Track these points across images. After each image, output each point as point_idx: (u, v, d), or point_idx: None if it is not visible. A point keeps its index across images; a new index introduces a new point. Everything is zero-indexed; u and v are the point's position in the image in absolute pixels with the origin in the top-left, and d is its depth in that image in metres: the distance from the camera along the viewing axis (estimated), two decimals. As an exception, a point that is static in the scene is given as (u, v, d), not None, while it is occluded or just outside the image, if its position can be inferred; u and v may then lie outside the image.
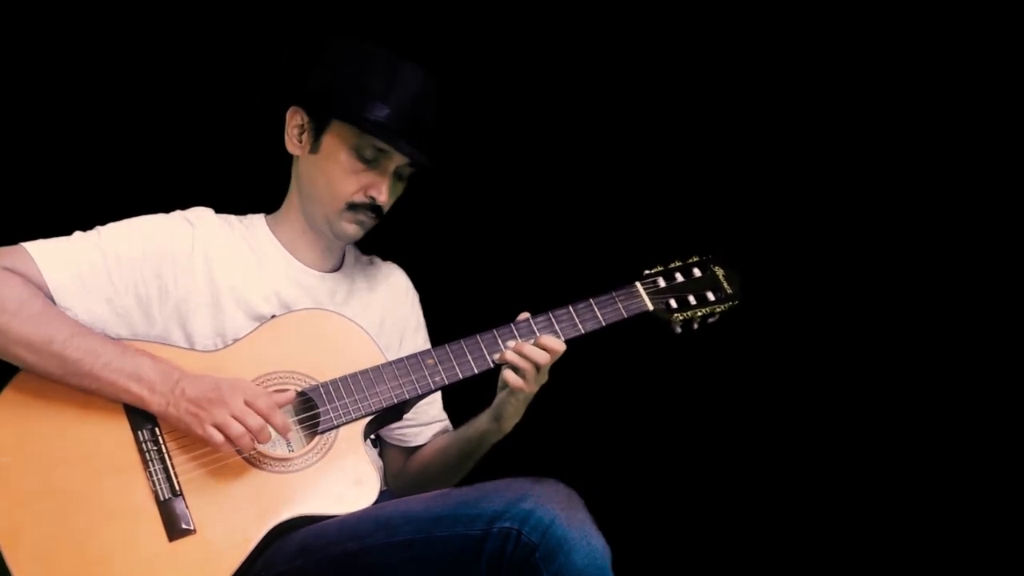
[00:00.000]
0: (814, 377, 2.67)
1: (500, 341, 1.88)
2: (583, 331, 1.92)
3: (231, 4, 2.52)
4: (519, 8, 2.62)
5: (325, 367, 1.85)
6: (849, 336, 2.67)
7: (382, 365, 1.87)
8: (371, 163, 1.94)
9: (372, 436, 2.01)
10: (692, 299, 1.99)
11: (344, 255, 2.10)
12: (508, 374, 1.86)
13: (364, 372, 1.86)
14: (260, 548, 1.71)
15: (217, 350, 1.87)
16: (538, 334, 1.88)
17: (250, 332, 1.89)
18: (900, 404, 2.67)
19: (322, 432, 1.81)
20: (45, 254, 1.81)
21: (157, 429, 1.77)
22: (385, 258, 2.19)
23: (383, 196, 1.95)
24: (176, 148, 2.53)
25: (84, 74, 2.48)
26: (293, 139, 1.99)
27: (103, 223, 1.90)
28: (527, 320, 1.91)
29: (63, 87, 2.48)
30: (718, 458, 2.72)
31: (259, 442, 1.75)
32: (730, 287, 2.02)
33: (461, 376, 1.88)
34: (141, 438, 1.75)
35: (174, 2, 2.52)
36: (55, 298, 1.80)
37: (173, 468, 1.74)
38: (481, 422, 1.97)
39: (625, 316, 1.95)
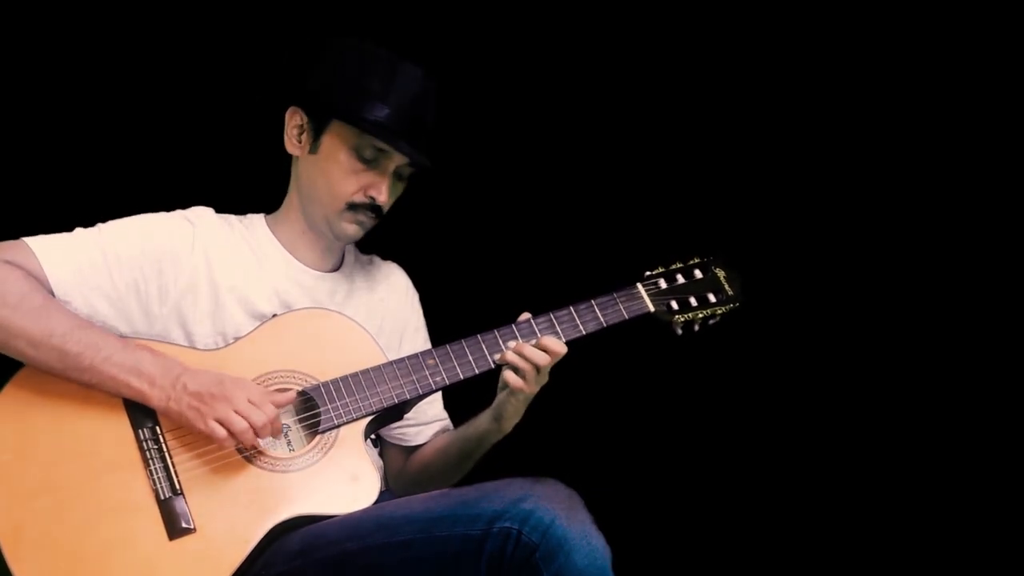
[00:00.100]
0: (814, 378, 2.67)
1: (501, 341, 1.88)
2: (584, 332, 1.92)
3: (231, 4, 2.52)
4: (519, 8, 2.62)
5: (326, 366, 1.85)
6: (850, 337, 2.68)
7: (383, 365, 1.87)
8: (371, 163, 1.94)
9: (372, 436, 2.01)
10: (693, 300, 1.99)
11: (344, 255, 2.10)
12: (508, 374, 1.86)
13: (365, 372, 1.85)
14: (260, 547, 1.71)
15: (218, 349, 1.87)
16: (539, 335, 1.88)
17: (251, 331, 1.88)
18: (900, 405, 2.67)
19: (323, 432, 1.81)
20: (47, 249, 1.81)
21: (158, 427, 1.76)
22: (385, 258, 2.19)
23: (383, 196, 1.95)
24: (176, 148, 2.53)
25: (85, 74, 2.48)
26: (292, 139, 1.99)
27: (104, 222, 1.90)
28: (528, 320, 1.91)
29: (64, 87, 2.48)
30: (718, 459, 2.72)
31: (260, 437, 1.74)
32: (731, 289, 2.02)
33: (462, 376, 1.88)
34: (142, 436, 1.75)
35: (174, 2, 2.51)
36: (56, 293, 1.80)
37: (174, 466, 1.74)
38: (481, 422, 1.97)
39: (626, 317, 1.95)
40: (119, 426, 1.75)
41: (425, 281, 2.20)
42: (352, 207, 1.95)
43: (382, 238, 2.09)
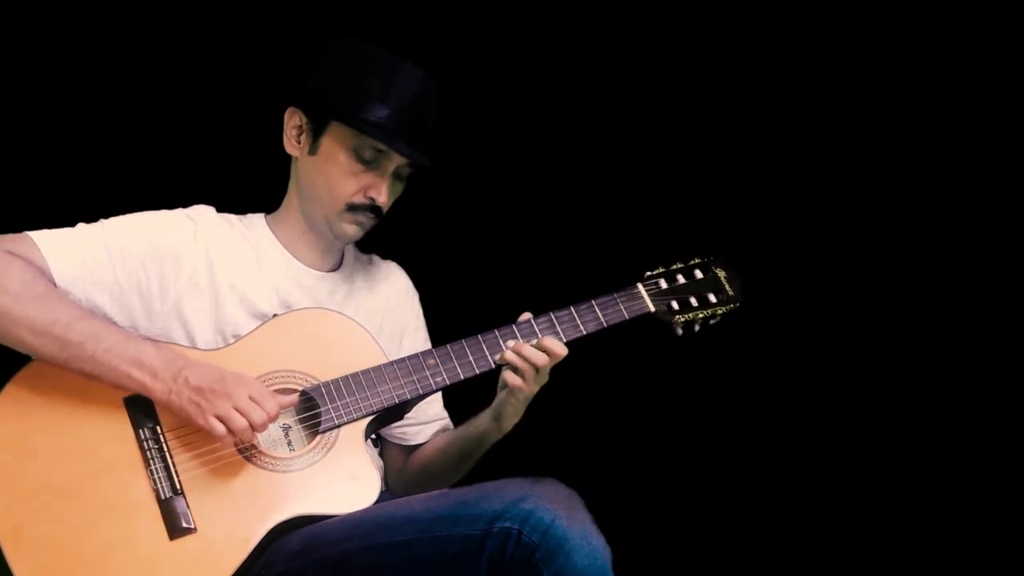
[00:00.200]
0: (815, 379, 2.67)
1: (501, 341, 1.88)
2: (584, 332, 1.92)
3: (231, 4, 2.52)
4: (519, 8, 2.62)
5: (327, 366, 1.85)
6: (850, 338, 2.68)
7: (383, 365, 1.87)
8: (370, 164, 1.94)
9: (372, 436, 2.01)
10: (693, 301, 1.99)
11: (343, 254, 2.10)
12: (508, 374, 1.86)
13: (365, 372, 1.85)
14: (260, 547, 1.71)
15: (219, 348, 1.87)
16: (540, 335, 1.88)
17: (251, 330, 1.88)
18: (900, 405, 2.67)
19: (323, 431, 1.81)
20: (50, 243, 1.81)
21: (158, 427, 1.76)
22: (385, 258, 2.19)
23: (383, 197, 1.95)
24: (176, 147, 2.53)
25: (86, 73, 2.48)
26: (291, 140, 1.99)
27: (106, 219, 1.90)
28: (529, 321, 1.91)
29: (66, 86, 2.48)
30: (718, 459, 2.72)
31: (259, 433, 1.74)
32: (731, 289, 2.02)
33: (462, 376, 1.88)
34: (142, 436, 1.75)
35: (175, 2, 2.51)
36: (58, 287, 1.79)
37: (174, 466, 1.74)
38: (481, 422, 1.98)
39: (627, 317, 1.95)
40: (119, 426, 1.75)
41: (425, 281, 2.20)
42: (352, 208, 1.95)
43: (382, 238, 2.09)
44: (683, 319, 1.98)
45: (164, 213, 1.94)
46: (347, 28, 2.17)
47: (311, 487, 1.76)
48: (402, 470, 2.11)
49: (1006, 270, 2.62)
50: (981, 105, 2.60)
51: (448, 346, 1.90)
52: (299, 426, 1.83)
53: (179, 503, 1.71)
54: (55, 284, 1.79)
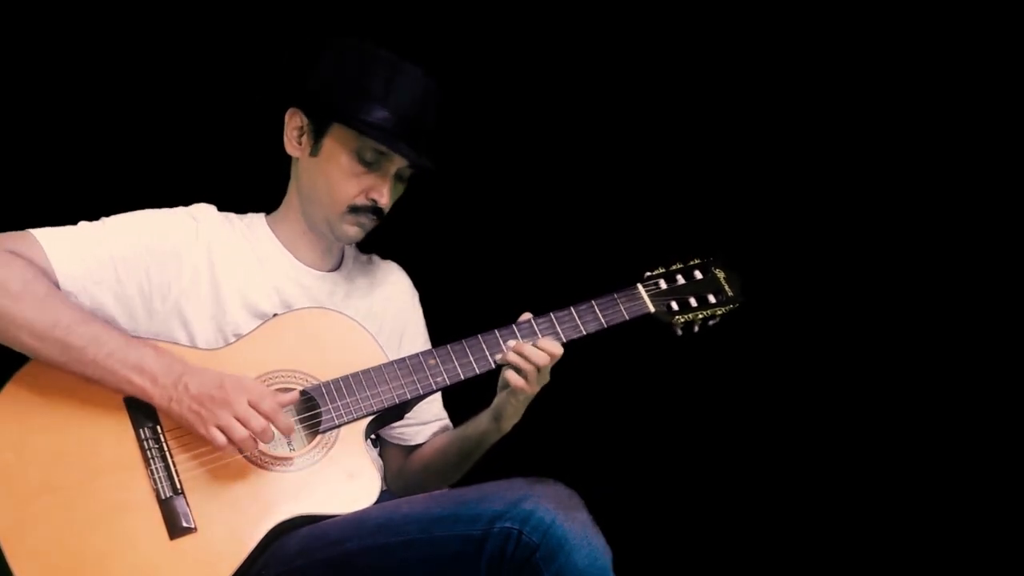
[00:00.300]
0: (814, 379, 2.67)
1: (502, 341, 1.89)
2: (584, 332, 1.92)
3: (232, 4, 2.52)
4: (519, 8, 2.62)
5: (327, 366, 1.85)
6: (849, 338, 2.68)
7: (384, 365, 1.87)
8: (372, 166, 1.94)
9: (372, 436, 2.01)
10: (693, 301, 1.99)
11: (343, 254, 2.10)
12: (510, 374, 1.86)
13: (366, 371, 1.85)
14: (261, 547, 1.71)
15: (219, 348, 1.87)
16: (540, 335, 1.88)
17: (252, 330, 1.88)
18: (900, 405, 2.67)
19: (323, 431, 1.81)
20: (53, 241, 1.80)
21: (158, 427, 1.76)
22: (385, 258, 2.19)
23: (384, 199, 1.95)
24: (177, 147, 2.53)
25: (87, 72, 2.48)
26: (292, 141, 1.98)
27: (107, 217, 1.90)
28: (529, 321, 1.91)
29: (68, 85, 2.48)
30: (718, 459, 2.72)
31: (262, 442, 1.74)
32: (731, 289, 2.02)
33: (463, 376, 1.88)
34: (142, 436, 1.75)
35: (176, 2, 2.51)
36: (61, 286, 1.79)
37: (174, 466, 1.74)
38: (481, 422, 1.98)
39: (626, 318, 1.95)
40: (120, 426, 1.75)
41: (425, 281, 2.20)
42: (353, 210, 1.95)
43: (382, 238, 2.09)
44: (683, 319, 1.98)
45: (166, 211, 1.95)
46: (347, 28, 2.17)
47: (311, 487, 1.76)
48: (401, 470, 2.11)
49: (1006, 270, 2.62)
50: (981, 105, 2.60)
51: (448, 346, 1.90)
52: (299, 426, 1.83)
53: (179, 503, 1.71)
54: (57, 284, 1.78)
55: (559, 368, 1.88)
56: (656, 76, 2.69)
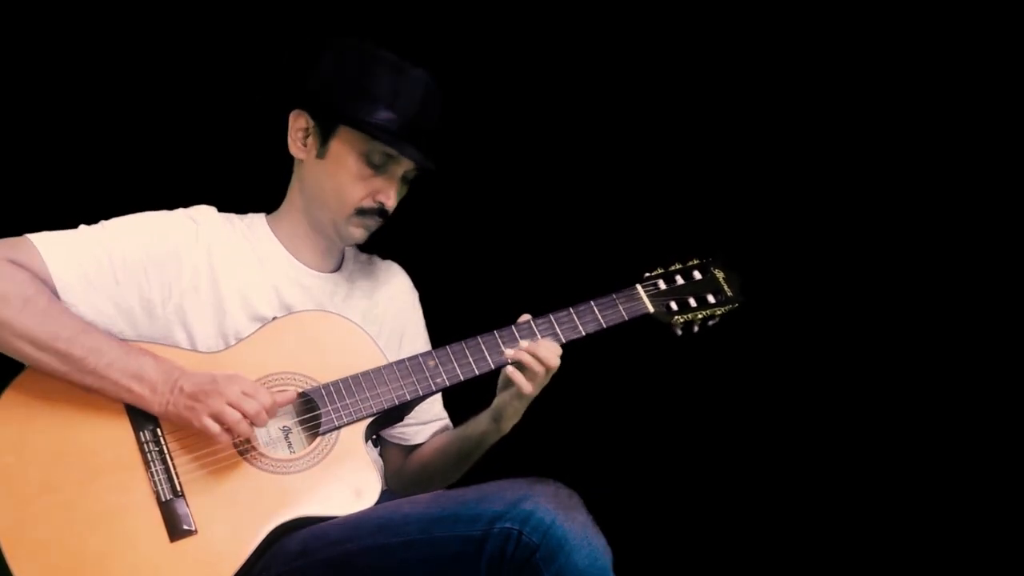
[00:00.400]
0: (814, 379, 2.67)
1: (501, 343, 1.89)
2: (584, 333, 1.92)
3: (234, 4, 2.52)
4: (520, 8, 2.62)
5: (326, 368, 1.85)
6: (849, 338, 2.68)
7: (383, 366, 1.87)
8: (379, 168, 1.94)
9: (372, 436, 2.01)
10: (692, 301, 1.99)
11: (343, 255, 2.10)
12: (515, 374, 1.85)
13: (365, 373, 1.86)
14: (261, 549, 1.71)
15: (219, 351, 1.87)
16: (539, 336, 1.88)
17: (252, 333, 1.89)
18: (900, 405, 2.67)
19: (323, 433, 1.81)
20: (51, 248, 1.81)
21: (159, 429, 1.77)
22: (385, 258, 2.19)
23: (391, 201, 1.96)
24: (178, 148, 2.53)
25: (88, 73, 2.48)
26: (297, 142, 1.98)
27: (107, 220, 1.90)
28: (528, 322, 1.91)
29: (68, 86, 2.48)
30: (718, 459, 2.72)
31: (256, 426, 1.75)
32: (730, 290, 2.02)
33: (462, 377, 1.88)
34: (143, 438, 1.75)
35: (177, 2, 2.52)
36: (61, 295, 1.80)
37: (175, 468, 1.74)
38: (480, 422, 1.98)
39: (626, 318, 1.95)
40: (120, 428, 1.75)
41: (425, 281, 2.20)
42: (360, 212, 1.95)
43: (382, 238, 2.09)
44: (682, 320, 1.98)
45: (165, 214, 1.94)
46: (348, 28, 2.17)
47: (311, 489, 1.76)
48: (401, 470, 2.11)
49: (1005, 270, 2.62)
50: (981, 105, 2.60)
51: (448, 347, 1.90)
52: (299, 428, 1.83)
53: (180, 505, 1.71)
54: (56, 290, 1.79)
55: (560, 368, 1.88)
56: (656, 77, 2.69)
